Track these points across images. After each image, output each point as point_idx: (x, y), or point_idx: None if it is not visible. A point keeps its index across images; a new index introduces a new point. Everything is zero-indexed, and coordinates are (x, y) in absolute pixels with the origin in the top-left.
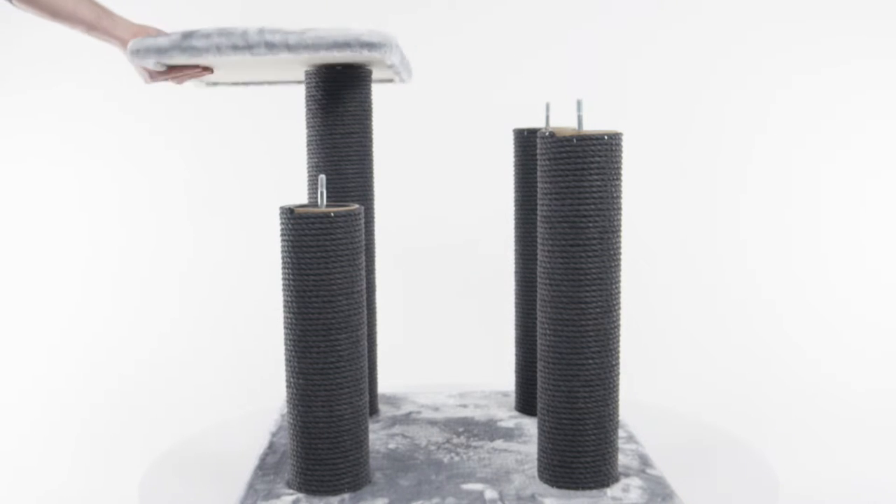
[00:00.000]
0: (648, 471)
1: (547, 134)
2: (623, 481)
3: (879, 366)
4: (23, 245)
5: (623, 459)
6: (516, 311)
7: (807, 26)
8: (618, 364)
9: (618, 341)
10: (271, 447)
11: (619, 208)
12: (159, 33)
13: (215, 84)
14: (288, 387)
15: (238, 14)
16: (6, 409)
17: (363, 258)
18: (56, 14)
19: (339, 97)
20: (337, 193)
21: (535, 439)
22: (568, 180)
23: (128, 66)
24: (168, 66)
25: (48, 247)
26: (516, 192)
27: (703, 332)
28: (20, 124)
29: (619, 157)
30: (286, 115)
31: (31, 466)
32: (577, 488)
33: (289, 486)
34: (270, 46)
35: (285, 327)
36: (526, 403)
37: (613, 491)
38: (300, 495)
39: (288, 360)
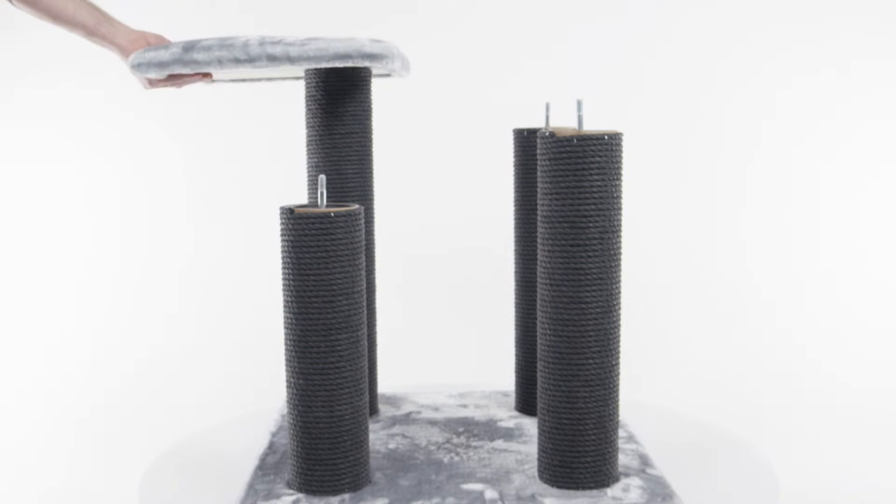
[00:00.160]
0: (648, 471)
1: (547, 134)
2: (623, 481)
3: (879, 366)
4: (23, 244)
5: (623, 459)
6: (516, 311)
7: (807, 26)
8: (618, 364)
9: (618, 341)
10: (271, 447)
11: (619, 208)
12: (158, 40)
13: (214, 81)
14: (288, 387)
15: (237, 11)
16: (6, 408)
17: (363, 258)
18: (56, 17)
19: (339, 97)
20: (337, 193)
21: (535, 439)
22: (568, 180)
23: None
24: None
25: (49, 246)
26: (516, 192)
27: (704, 332)
28: (21, 124)
29: (620, 157)
30: (286, 115)
31: (31, 466)
32: (577, 488)
33: (289, 486)
34: (272, 59)
35: (285, 327)
36: (526, 403)
37: (613, 491)
38: (300, 495)
39: (288, 360)
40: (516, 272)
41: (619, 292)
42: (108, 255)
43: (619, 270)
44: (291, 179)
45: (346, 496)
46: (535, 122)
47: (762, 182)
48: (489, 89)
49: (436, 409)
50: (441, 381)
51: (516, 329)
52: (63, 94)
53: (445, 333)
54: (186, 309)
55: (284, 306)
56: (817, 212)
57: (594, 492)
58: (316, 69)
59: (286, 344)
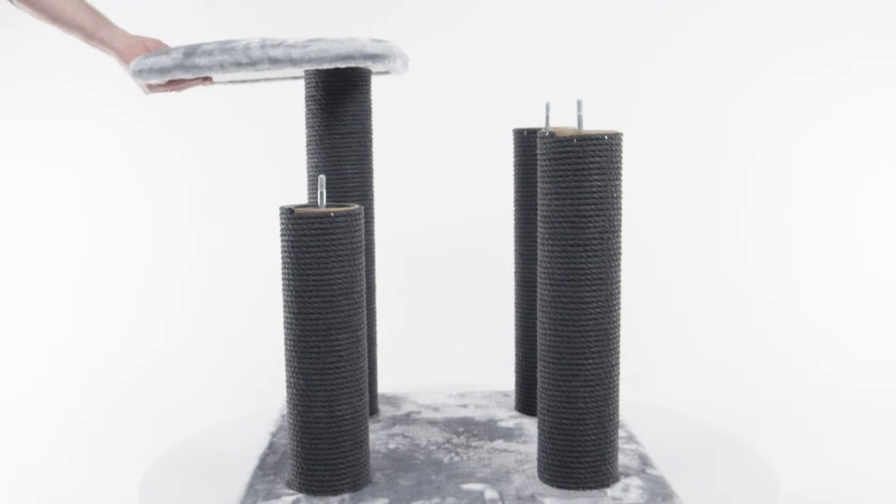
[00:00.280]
0: (648, 471)
1: (547, 134)
2: (623, 481)
3: (879, 366)
4: (23, 246)
5: (623, 459)
6: (516, 311)
7: (807, 26)
8: (618, 364)
9: (618, 341)
10: (271, 447)
11: (619, 208)
12: (156, 45)
13: (213, 84)
14: (288, 387)
15: (237, 11)
16: (6, 409)
17: (363, 258)
18: (55, 18)
19: (339, 97)
20: (337, 193)
21: (535, 439)
22: (568, 180)
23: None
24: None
25: (48, 246)
26: (516, 192)
27: (704, 332)
28: (20, 125)
29: (619, 157)
30: (286, 115)
31: (31, 467)
32: (577, 488)
33: (289, 486)
34: (274, 61)
35: (285, 327)
36: (526, 403)
37: (613, 491)
38: (300, 495)
39: (288, 360)
40: (516, 272)
41: (619, 292)
42: (107, 255)
43: (619, 270)
44: (291, 179)
45: (346, 496)
46: (535, 122)
47: (762, 182)
48: (489, 89)
49: (436, 409)
50: (441, 381)
51: (516, 329)
52: (62, 95)
53: (445, 333)
54: (186, 309)
55: (284, 306)
56: (817, 212)
57: (594, 492)
58: (316, 69)
59: (286, 344)
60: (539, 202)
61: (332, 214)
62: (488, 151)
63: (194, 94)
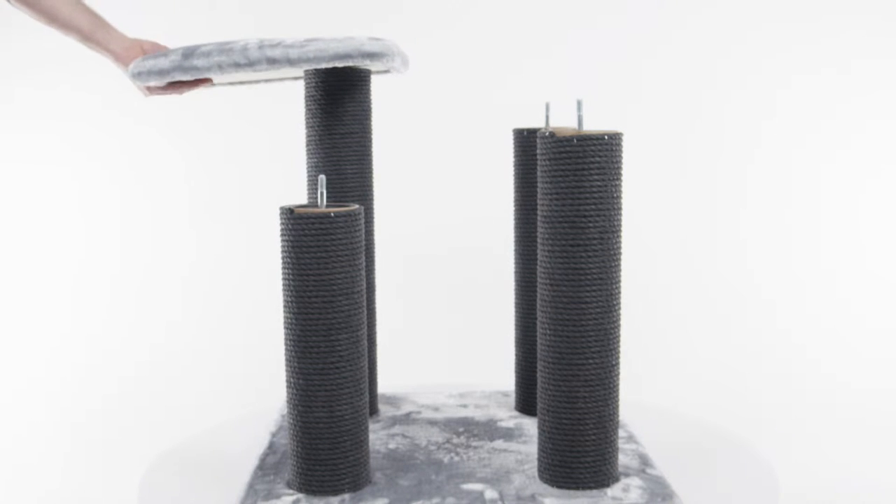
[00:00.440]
0: (648, 471)
1: (547, 134)
2: (623, 481)
3: (879, 366)
4: (23, 247)
5: (623, 459)
6: (516, 311)
7: (807, 26)
8: (618, 364)
9: (618, 341)
10: (271, 447)
11: (619, 208)
12: (154, 47)
13: (213, 86)
14: (288, 387)
15: (236, 11)
16: (7, 410)
17: (363, 258)
18: (52, 19)
19: (339, 97)
20: (337, 193)
21: (535, 439)
22: (568, 180)
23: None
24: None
25: (48, 246)
26: (516, 192)
27: (704, 332)
28: (19, 125)
29: (620, 157)
30: (286, 115)
31: (31, 467)
32: (577, 488)
33: (289, 486)
34: (272, 62)
35: (285, 327)
36: (526, 403)
37: (613, 491)
38: (300, 495)
39: (288, 361)
40: (516, 272)
41: (619, 292)
42: (107, 255)
43: (619, 270)
44: (291, 179)
45: (346, 496)
46: (535, 122)
47: (762, 182)
48: (489, 89)
49: (436, 409)
50: (441, 381)
51: (516, 329)
52: (61, 95)
53: (445, 333)
54: (186, 309)
55: (284, 306)
56: (817, 212)
57: (594, 492)
58: (315, 69)
59: (286, 344)
60: (539, 202)
61: (332, 214)
62: (488, 151)
63: (193, 94)
